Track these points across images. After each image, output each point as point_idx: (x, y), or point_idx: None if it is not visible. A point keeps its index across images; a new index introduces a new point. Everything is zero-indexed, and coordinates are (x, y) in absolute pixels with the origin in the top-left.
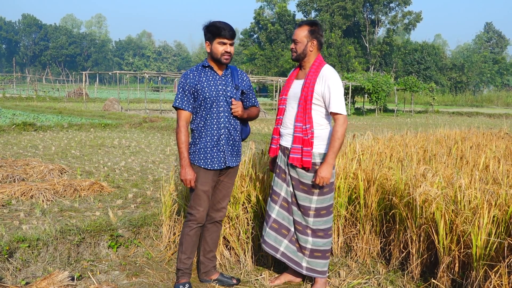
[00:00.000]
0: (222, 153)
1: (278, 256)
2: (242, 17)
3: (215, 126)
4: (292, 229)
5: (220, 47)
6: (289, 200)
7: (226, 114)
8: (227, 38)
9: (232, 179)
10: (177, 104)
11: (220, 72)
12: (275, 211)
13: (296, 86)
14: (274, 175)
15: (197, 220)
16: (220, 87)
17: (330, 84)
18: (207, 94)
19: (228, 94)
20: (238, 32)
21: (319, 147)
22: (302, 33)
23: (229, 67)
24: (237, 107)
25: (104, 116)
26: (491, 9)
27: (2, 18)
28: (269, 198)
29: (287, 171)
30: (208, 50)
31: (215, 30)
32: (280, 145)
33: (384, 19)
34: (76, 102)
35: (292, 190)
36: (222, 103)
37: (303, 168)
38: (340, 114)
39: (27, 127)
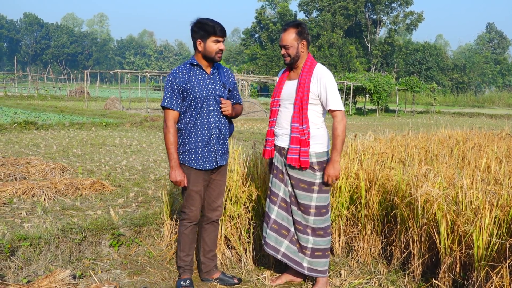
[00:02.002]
0: (213, 152)
1: (279, 257)
2: (243, 17)
3: (206, 126)
4: (292, 230)
5: (215, 45)
6: (288, 200)
7: (216, 113)
8: (221, 36)
9: (224, 176)
10: (166, 103)
11: (208, 71)
12: (274, 212)
13: (289, 87)
14: (271, 175)
15: (191, 219)
16: (209, 86)
17: (325, 83)
18: (198, 94)
19: (217, 93)
20: (239, 31)
21: (315, 146)
22: (290, 37)
23: (215, 64)
24: (227, 106)
25: (105, 115)
26: (493, 9)
27: (3, 17)
28: (267, 199)
29: (284, 171)
30: (201, 49)
31: (210, 29)
32: (275, 145)
33: (386, 19)
34: (78, 101)
35: (290, 190)
36: (211, 102)
37: (301, 168)
38: (338, 110)
39: (28, 126)
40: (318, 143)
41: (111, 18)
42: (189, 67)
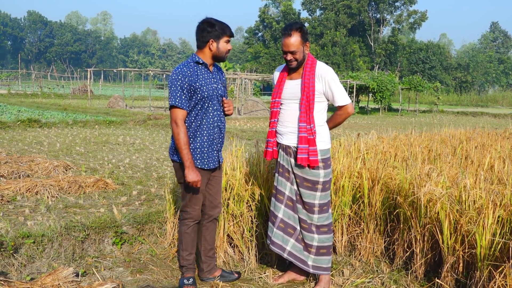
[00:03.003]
0: (216, 151)
1: (285, 255)
2: (247, 15)
3: (211, 125)
4: (298, 228)
5: (226, 45)
6: (294, 198)
7: (218, 113)
8: (232, 36)
9: (221, 172)
10: (176, 102)
11: (211, 70)
12: (281, 211)
13: (292, 87)
14: (277, 174)
15: (194, 218)
16: (214, 85)
17: (329, 81)
18: (205, 93)
19: (220, 92)
20: (243, 30)
21: (319, 144)
22: (296, 41)
23: (214, 64)
24: (230, 106)
25: (108, 113)
26: (497, 8)
27: (7, 15)
28: (272, 198)
29: (290, 169)
30: (213, 48)
31: (223, 29)
32: (280, 144)
33: (389, 18)
34: (81, 99)
35: (296, 188)
36: (215, 101)
37: (308, 166)
38: (346, 104)
39: (32, 124)
40: (322, 141)
41: (114, 16)
42: (194, 65)
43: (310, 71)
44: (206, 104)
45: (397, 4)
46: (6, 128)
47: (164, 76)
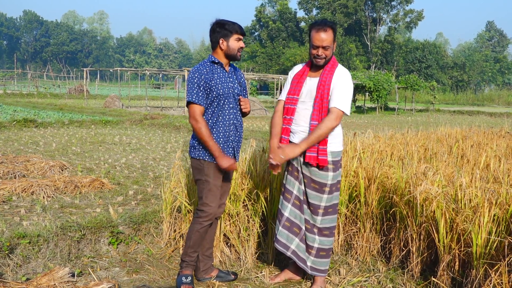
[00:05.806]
0: (231, 149)
1: (288, 254)
2: (243, 15)
3: (227, 122)
4: (303, 228)
5: (237, 43)
6: (301, 198)
7: (234, 111)
8: (242, 34)
9: (231, 174)
10: (193, 99)
11: (227, 69)
12: (288, 210)
13: (311, 84)
14: (286, 173)
15: (209, 216)
16: (230, 84)
17: (341, 82)
18: (221, 91)
19: (236, 91)
20: None
21: (330, 145)
22: (330, 37)
23: (230, 64)
24: (247, 104)
25: (105, 113)
26: (493, 7)
27: (3, 15)
28: (281, 196)
29: (299, 169)
30: (224, 47)
31: (232, 27)
32: (292, 142)
33: (386, 17)
34: (77, 98)
35: (303, 188)
36: (231, 100)
37: (317, 166)
38: (338, 109)
39: (28, 124)
40: (334, 142)
41: (111, 16)
42: (210, 65)
43: (330, 71)
44: (222, 102)
45: (393, 3)
46: (1, 128)
47: (160, 76)
